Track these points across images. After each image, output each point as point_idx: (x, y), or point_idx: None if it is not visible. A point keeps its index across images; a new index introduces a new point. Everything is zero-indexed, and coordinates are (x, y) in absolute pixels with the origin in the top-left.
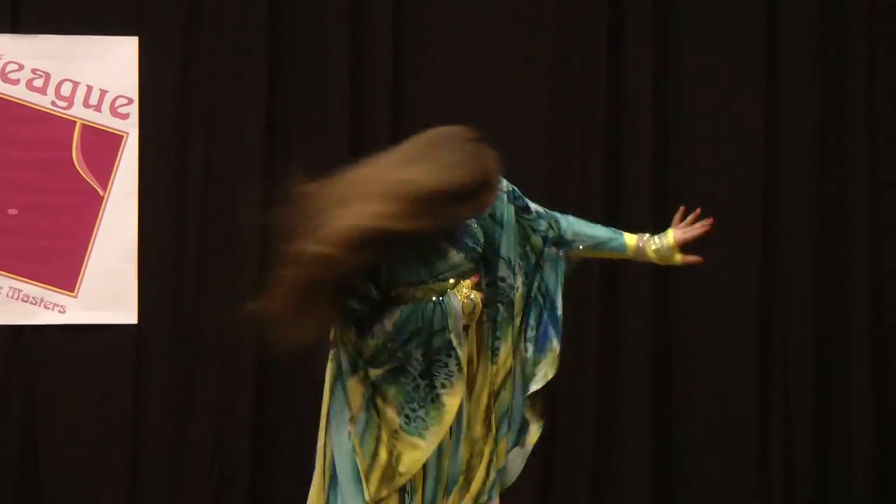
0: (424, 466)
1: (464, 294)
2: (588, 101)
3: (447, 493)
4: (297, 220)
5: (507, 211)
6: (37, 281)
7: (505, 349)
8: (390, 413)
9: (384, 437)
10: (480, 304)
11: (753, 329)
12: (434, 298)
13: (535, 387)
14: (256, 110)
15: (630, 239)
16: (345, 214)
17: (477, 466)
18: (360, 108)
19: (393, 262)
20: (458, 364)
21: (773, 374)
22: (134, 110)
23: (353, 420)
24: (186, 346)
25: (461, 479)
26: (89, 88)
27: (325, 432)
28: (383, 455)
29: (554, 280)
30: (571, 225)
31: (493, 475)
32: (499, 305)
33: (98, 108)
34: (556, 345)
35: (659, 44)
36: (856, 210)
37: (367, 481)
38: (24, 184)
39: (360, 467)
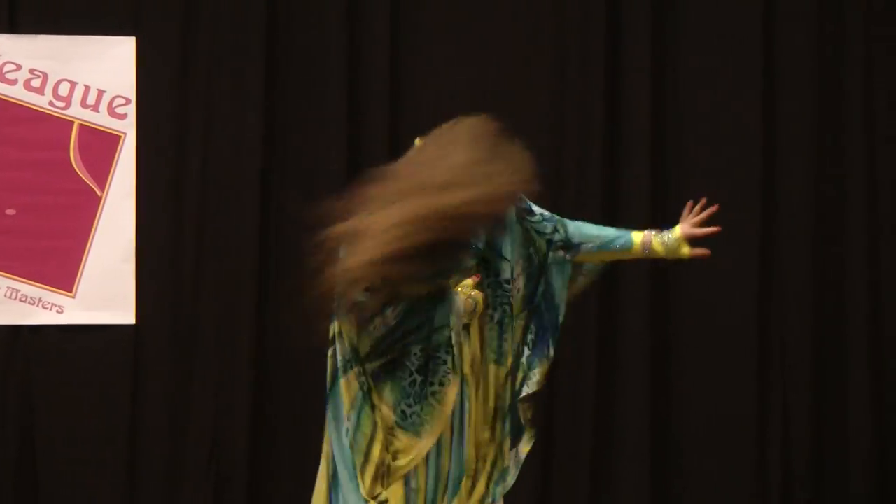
0: (426, 463)
1: (465, 292)
2: (586, 101)
3: (447, 491)
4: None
5: (509, 213)
6: (35, 281)
7: (509, 351)
8: (385, 409)
9: (379, 434)
10: (482, 304)
11: (751, 329)
12: (436, 295)
13: (527, 390)
14: (254, 110)
15: (637, 235)
16: (383, 229)
17: (482, 470)
18: (357, 108)
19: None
20: (454, 362)
21: (770, 374)
22: (132, 110)
23: (347, 418)
24: (184, 347)
25: (468, 482)
26: (87, 88)
27: (327, 431)
28: (376, 452)
29: (560, 285)
30: (579, 228)
31: (496, 476)
32: (505, 308)
33: (96, 108)
34: (550, 353)
35: (657, 44)
36: (854, 210)
37: (362, 478)
38: (21, 184)
39: (355, 464)
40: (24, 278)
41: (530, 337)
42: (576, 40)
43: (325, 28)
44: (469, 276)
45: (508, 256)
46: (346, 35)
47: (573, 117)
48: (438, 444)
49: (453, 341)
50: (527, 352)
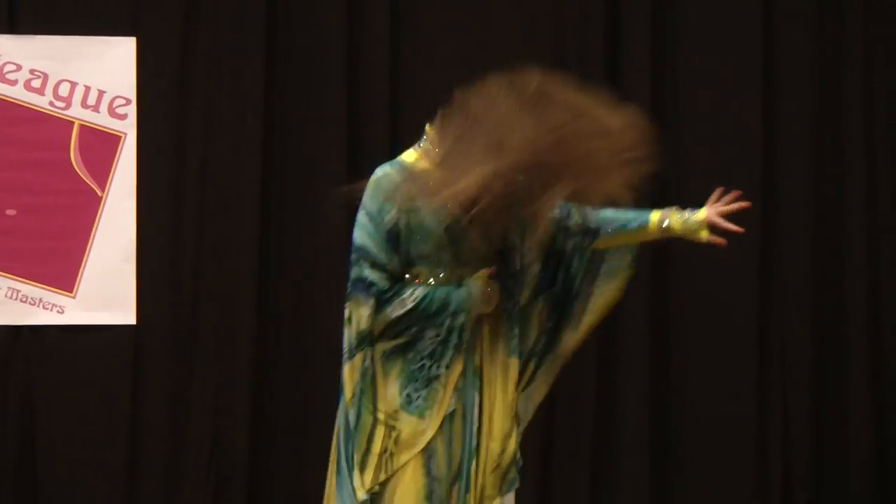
0: (442, 452)
1: (483, 283)
2: None
3: (459, 482)
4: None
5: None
6: (35, 281)
7: (518, 343)
8: (392, 392)
9: (379, 428)
10: (498, 295)
11: (751, 329)
12: (455, 282)
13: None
14: (254, 110)
15: (654, 213)
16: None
17: (504, 463)
18: (357, 108)
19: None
20: (464, 348)
21: (770, 374)
22: (132, 111)
23: (349, 407)
24: (184, 347)
25: (496, 475)
26: (87, 89)
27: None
28: (378, 443)
29: (578, 273)
30: (597, 211)
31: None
32: (516, 299)
33: (96, 108)
34: (560, 344)
35: (657, 44)
36: (853, 210)
37: (361, 473)
38: (22, 184)
39: (354, 458)
40: (25, 279)
41: (549, 325)
42: (575, 40)
43: (325, 28)
44: (488, 266)
45: (518, 246)
46: (346, 35)
47: None
48: (451, 434)
49: (466, 327)
50: (544, 339)
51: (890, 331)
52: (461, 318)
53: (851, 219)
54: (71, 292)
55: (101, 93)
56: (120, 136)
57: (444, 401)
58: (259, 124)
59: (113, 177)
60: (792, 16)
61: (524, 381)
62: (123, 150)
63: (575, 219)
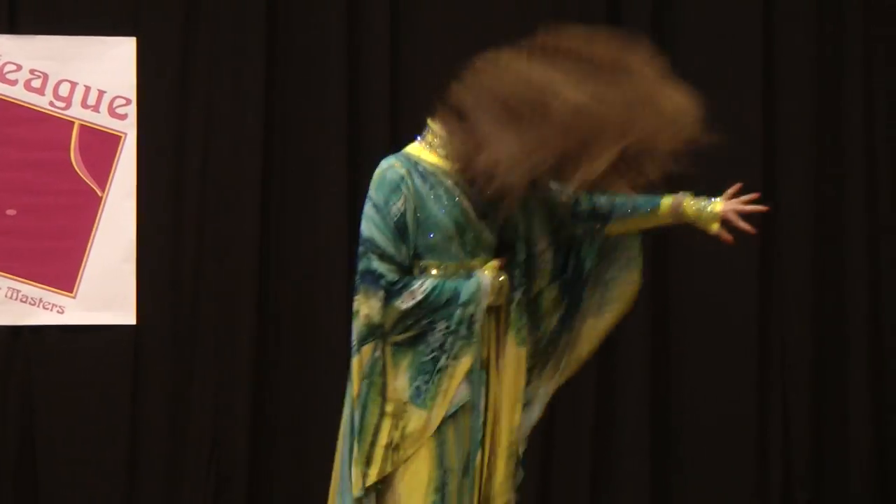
0: (452, 443)
1: (492, 274)
2: None
3: (467, 475)
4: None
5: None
6: (35, 281)
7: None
8: (401, 384)
9: (385, 422)
10: (507, 286)
11: (751, 329)
12: (464, 274)
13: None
14: (254, 110)
15: (667, 197)
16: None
17: (513, 456)
18: (357, 108)
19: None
20: (474, 338)
21: (771, 374)
22: (132, 111)
23: (355, 399)
24: (185, 347)
25: (508, 464)
26: (87, 89)
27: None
28: (384, 435)
29: (590, 260)
30: (608, 196)
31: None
32: (525, 289)
33: (96, 108)
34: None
35: (657, 44)
36: (853, 210)
37: (368, 466)
38: (22, 184)
39: (357, 451)
40: (25, 279)
41: (561, 312)
42: None
43: (325, 28)
44: (497, 257)
45: (525, 236)
46: (346, 35)
47: None
48: (462, 426)
49: (476, 318)
50: (557, 326)
51: (890, 331)
52: (471, 309)
53: (851, 219)
54: (71, 292)
55: (101, 93)
56: (120, 136)
57: (450, 392)
58: (259, 124)
59: (113, 177)
60: (792, 16)
61: (538, 368)
62: (123, 150)
63: (585, 204)
